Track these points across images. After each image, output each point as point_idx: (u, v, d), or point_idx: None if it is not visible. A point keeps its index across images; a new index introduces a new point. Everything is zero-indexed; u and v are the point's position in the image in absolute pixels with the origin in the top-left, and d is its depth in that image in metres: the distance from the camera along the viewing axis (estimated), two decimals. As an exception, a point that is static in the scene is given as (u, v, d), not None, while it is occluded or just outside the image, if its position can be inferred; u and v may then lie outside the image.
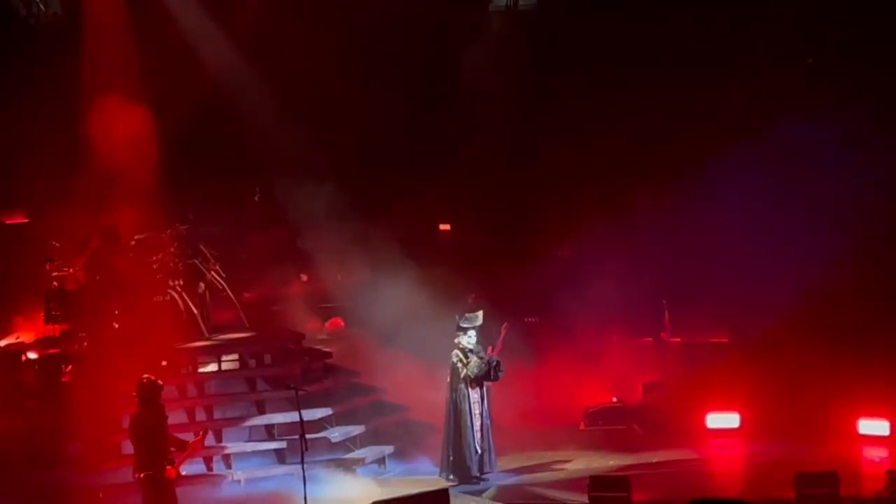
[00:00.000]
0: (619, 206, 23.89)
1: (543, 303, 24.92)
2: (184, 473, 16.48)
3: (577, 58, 25.82)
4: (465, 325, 19.33)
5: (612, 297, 23.51)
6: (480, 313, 19.60)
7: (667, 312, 24.13)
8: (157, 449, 16.06)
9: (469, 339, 19.28)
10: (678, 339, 24.05)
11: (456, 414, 19.15)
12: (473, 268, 23.16)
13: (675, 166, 23.72)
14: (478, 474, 19.13)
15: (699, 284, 24.34)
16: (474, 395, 19.16)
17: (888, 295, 22.45)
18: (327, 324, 25.28)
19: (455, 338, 19.31)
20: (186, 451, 16.44)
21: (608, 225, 23.70)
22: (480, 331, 19.47)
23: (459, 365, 19.18)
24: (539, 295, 24.83)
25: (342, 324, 25.29)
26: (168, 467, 15.93)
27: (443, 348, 19.61)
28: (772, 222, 23.28)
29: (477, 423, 19.11)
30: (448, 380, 19.32)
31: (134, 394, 16.24)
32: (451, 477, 19.08)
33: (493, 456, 19.36)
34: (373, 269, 23.15)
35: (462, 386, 19.20)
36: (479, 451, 19.10)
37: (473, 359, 19.16)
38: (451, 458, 19.15)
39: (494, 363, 19.25)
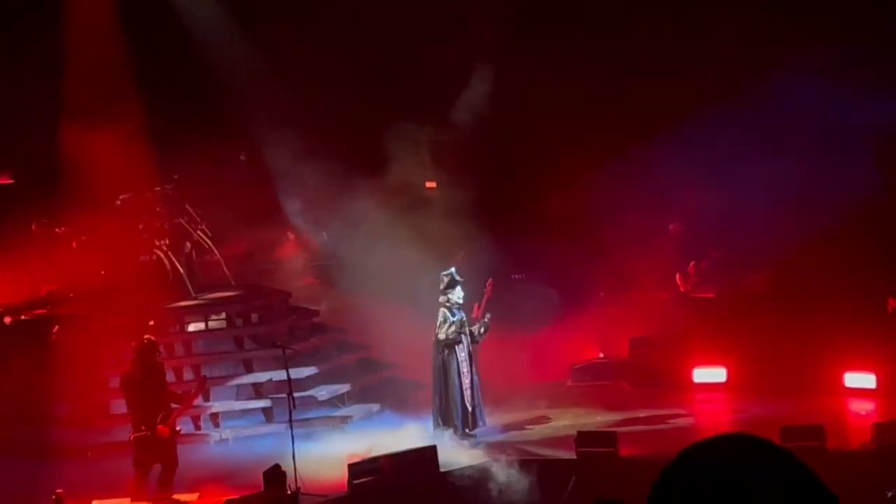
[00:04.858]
0: (605, 156, 23.78)
1: (532, 259, 24.93)
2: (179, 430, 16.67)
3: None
4: (445, 285, 19.24)
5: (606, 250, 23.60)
6: (453, 269, 19.54)
7: (693, 264, 24.18)
8: (149, 408, 16.22)
9: (457, 296, 19.25)
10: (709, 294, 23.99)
11: (444, 371, 19.15)
12: (461, 224, 23.10)
13: (664, 117, 23.61)
14: (466, 431, 19.15)
15: (686, 238, 24.41)
16: (461, 352, 19.16)
17: (874, 246, 22.44)
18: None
19: (443, 295, 19.29)
20: (184, 403, 16.69)
21: (595, 176, 23.62)
22: (465, 286, 19.45)
23: (447, 323, 19.16)
24: (528, 251, 24.81)
25: None
26: (159, 426, 16.08)
27: (431, 305, 19.62)
28: (757, 177, 23.22)
29: (466, 381, 19.09)
30: (435, 338, 19.32)
31: (132, 354, 16.40)
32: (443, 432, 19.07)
33: (482, 412, 19.37)
34: (360, 227, 23.11)
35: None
36: (469, 408, 19.11)
37: (453, 324, 19.05)
38: (441, 415, 19.17)
39: (481, 329, 19.26)
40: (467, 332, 19.20)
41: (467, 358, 19.17)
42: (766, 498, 2.68)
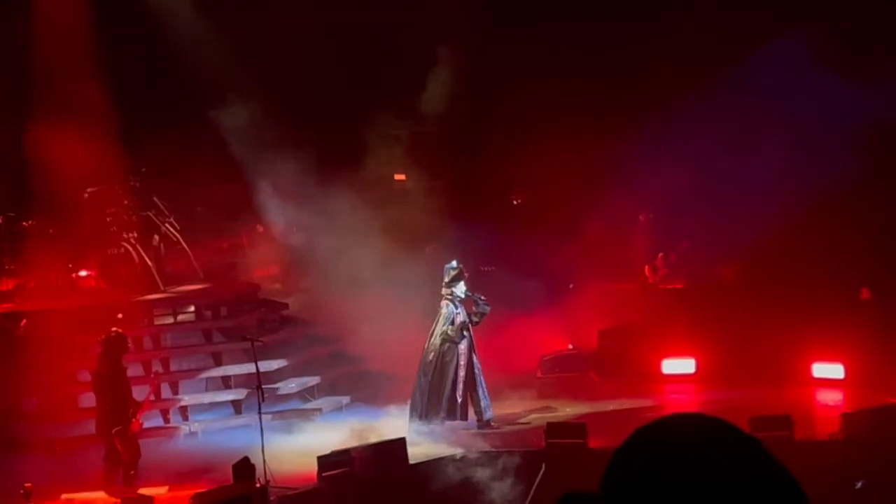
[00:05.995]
0: (575, 149, 23.77)
1: (503, 250, 24.93)
2: (144, 425, 16.67)
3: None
4: (451, 278, 19.15)
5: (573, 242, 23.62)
6: (454, 262, 19.46)
7: (661, 255, 24.26)
8: (121, 402, 16.23)
9: (461, 290, 19.13)
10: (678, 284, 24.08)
11: (441, 364, 18.97)
12: (431, 216, 23.09)
13: (636, 108, 23.63)
14: (450, 420, 19.01)
15: (658, 230, 24.48)
16: (462, 345, 19.00)
17: (842, 238, 22.51)
18: None
19: (447, 288, 19.14)
20: (144, 400, 16.72)
21: (565, 168, 23.62)
22: (468, 281, 19.37)
23: (450, 317, 19.05)
24: (498, 242, 24.81)
25: None
26: (134, 420, 16.17)
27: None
28: (727, 168, 23.26)
29: (462, 373, 18.96)
30: (435, 328, 19.16)
31: (99, 347, 16.36)
32: (432, 422, 18.95)
33: (467, 406, 19.20)
34: (331, 220, 23.07)
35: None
36: (458, 400, 18.97)
37: (456, 324, 18.99)
38: (422, 409, 19.01)
39: (474, 321, 19.20)
40: (470, 329, 19.14)
41: (467, 350, 19.06)
42: (726, 481, 2.52)
